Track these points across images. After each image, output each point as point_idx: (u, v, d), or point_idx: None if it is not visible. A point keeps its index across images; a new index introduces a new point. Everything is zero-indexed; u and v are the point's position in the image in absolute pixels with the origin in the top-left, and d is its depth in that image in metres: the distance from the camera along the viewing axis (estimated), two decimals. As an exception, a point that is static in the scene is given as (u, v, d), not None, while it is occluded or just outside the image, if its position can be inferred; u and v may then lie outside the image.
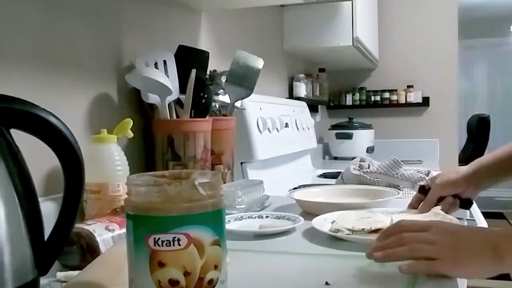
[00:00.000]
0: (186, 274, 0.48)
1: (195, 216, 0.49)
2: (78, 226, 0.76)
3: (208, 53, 1.29)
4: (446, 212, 0.94)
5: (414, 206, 1.04)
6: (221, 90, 1.36)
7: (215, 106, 1.33)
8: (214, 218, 0.50)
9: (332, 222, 0.89)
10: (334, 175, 1.90)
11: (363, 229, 0.79)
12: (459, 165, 2.96)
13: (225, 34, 1.74)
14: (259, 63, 1.37)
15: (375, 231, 0.79)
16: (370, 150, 2.94)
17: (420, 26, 3.25)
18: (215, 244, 0.50)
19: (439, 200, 1.01)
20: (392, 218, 0.91)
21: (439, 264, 0.69)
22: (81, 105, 1.04)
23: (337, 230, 0.78)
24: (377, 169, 1.43)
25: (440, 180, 1.02)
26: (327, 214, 0.97)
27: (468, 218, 1.08)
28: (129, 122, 1.02)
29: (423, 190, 1.04)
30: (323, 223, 0.92)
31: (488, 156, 1.05)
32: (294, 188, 1.41)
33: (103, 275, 0.61)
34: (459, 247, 0.71)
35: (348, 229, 0.78)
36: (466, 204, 1.03)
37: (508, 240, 0.70)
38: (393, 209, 0.98)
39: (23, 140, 0.59)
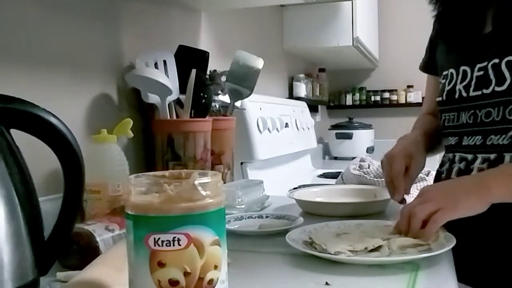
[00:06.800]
0: (186, 274, 0.48)
1: (195, 216, 0.49)
2: (78, 226, 0.76)
3: (208, 53, 1.29)
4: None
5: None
6: (221, 90, 1.36)
7: (215, 106, 1.33)
8: (214, 218, 0.50)
9: (310, 239, 0.82)
10: (334, 175, 1.90)
11: (365, 248, 0.78)
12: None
13: (225, 34, 1.74)
14: (259, 63, 1.37)
15: (377, 248, 0.78)
16: (370, 150, 2.94)
17: (420, 26, 3.25)
18: (215, 244, 0.50)
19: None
20: (362, 229, 0.89)
21: (442, 213, 0.78)
22: (81, 105, 1.04)
23: (338, 253, 0.76)
24: (377, 169, 1.43)
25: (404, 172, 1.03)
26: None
27: None
28: (129, 122, 1.02)
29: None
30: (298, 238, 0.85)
31: (415, 134, 1.10)
32: (294, 188, 1.40)
33: (103, 275, 0.61)
34: (454, 192, 0.83)
35: (350, 250, 0.77)
36: None
37: (494, 175, 0.86)
38: (365, 221, 0.96)
39: (23, 140, 0.59)
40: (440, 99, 1.06)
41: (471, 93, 0.97)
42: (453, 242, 0.78)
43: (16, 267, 0.54)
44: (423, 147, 1.06)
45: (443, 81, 1.05)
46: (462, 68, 0.99)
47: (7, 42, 0.86)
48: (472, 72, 0.97)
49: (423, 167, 1.06)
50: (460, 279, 0.80)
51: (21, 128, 0.58)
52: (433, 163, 1.20)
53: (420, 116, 1.26)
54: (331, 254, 0.75)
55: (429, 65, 1.18)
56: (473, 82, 0.97)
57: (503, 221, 0.91)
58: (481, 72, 0.95)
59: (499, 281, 0.94)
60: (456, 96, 1.00)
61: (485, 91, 0.94)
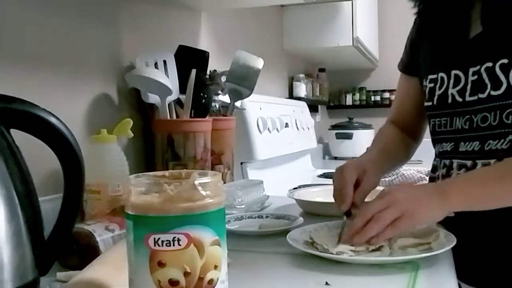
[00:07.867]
0: (186, 274, 0.48)
1: (195, 216, 0.49)
2: (78, 226, 0.76)
3: (208, 53, 1.29)
4: None
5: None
6: (221, 90, 1.36)
7: (215, 106, 1.33)
8: (214, 218, 0.50)
9: (311, 239, 0.82)
10: (334, 175, 1.89)
11: (367, 248, 0.78)
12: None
13: (225, 34, 1.74)
14: (259, 63, 1.37)
15: (378, 248, 0.78)
16: (370, 150, 2.93)
17: (420, 26, 3.25)
18: (215, 244, 0.50)
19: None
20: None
21: (401, 220, 0.77)
22: (81, 105, 1.04)
23: (340, 252, 0.76)
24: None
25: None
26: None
27: None
28: (129, 122, 1.02)
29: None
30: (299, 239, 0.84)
31: (372, 152, 1.07)
32: (294, 188, 1.40)
33: (103, 275, 0.61)
34: (415, 198, 0.80)
35: (351, 250, 0.77)
36: None
37: (453, 184, 0.84)
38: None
39: (23, 140, 0.59)
40: (430, 103, 1.03)
41: (467, 98, 0.94)
42: (453, 242, 0.78)
43: (16, 267, 0.54)
44: (380, 165, 1.01)
45: (431, 85, 1.02)
46: (453, 72, 0.97)
47: (7, 42, 0.86)
48: (467, 76, 0.94)
49: (377, 185, 0.99)
50: (460, 278, 0.80)
51: (21, 128, 0.58)
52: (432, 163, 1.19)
53: (384, 125, 1.20)
54: (333, 254, 0.75)
55: (411, 66, 1.14)
56: (468, 87, 0.94)
57: (503, 220, 0.91)
58: (476, 77, 0.92)
59: (499, 280, 0.94)
60: (449, 101, 0.97)
61: (480, 95, 0.92)
